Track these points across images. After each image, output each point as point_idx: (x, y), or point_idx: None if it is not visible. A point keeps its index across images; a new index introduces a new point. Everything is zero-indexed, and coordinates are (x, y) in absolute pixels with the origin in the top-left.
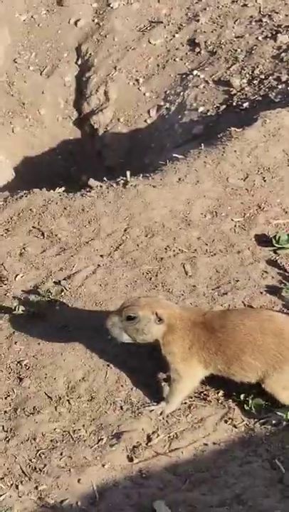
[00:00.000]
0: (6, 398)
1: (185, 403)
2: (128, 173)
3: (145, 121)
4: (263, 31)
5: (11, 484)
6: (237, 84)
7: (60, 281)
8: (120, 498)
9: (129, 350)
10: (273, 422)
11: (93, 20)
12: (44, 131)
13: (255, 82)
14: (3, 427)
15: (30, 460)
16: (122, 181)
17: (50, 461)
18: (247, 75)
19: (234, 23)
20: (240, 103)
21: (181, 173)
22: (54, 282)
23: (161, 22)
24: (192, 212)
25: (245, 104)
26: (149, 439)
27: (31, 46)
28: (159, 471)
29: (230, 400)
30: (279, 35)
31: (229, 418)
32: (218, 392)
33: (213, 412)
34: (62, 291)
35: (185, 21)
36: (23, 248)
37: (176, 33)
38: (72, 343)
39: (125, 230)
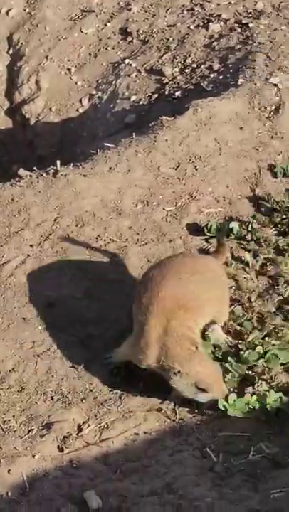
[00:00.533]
0: None
1: (116, 393)
2: (58, 162)
3: (77, 110)
4: (194, 20)
5: None
6: (169, 73)
7: None
8: (51, 489)
9: (59, 341)
10: (204, 410)
11: (24, 10)
12: None
13: (187, 70)
14: None
15: None
16: (52, 171)
17: None
18: (179, 64)
19: (166, 12)
20: (172, 92)
21: (111, 162)
22: None
23: (93, 11)
24: (123, 201)
25: (178, 93)
26: (79, 429)
27: None
28: (90, 461)
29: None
30: (211, 24)
31: (160, 408)
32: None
33: (144, 402)
34: None
35: (117, 10)
36: None
37: (108, 22)
38: (1, 334)
39: (55, 220)
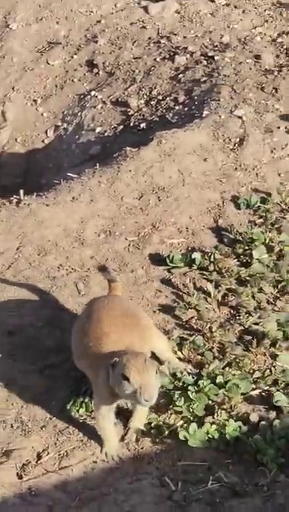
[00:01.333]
0: None
1: (77, 421)
2: (21, 191)
3: (43, 141)
4: (161, 52)
5: None
6: (134, 105)
7: None
8: None
9: (20, 369)
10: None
11: None
12: None
13: (152, 102)
14: None
15: None
16: (16, 200)
17: None
18: (144, 96)
19: (133, 44)
20: (137, 123)
21: (75, 192)
22: None
23: (60, 43)
24: (86, 231)
25: (143, 125)
26: (39, 456)
27: None
28: (49, 488)
29: (121, 417)
30: (177, 56)
31: (121, 436)
32: None
33: None
34: None
35: (84, 42)
36: None
37: (75, 54)
38: None
39: (18, 249)
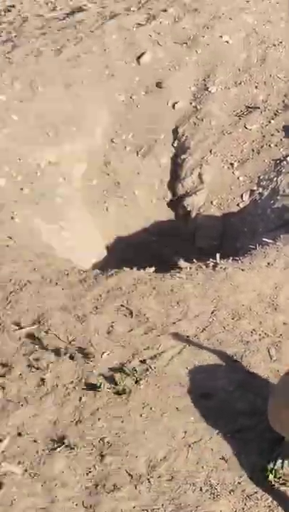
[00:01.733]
0: (87, 474)
1: (264, 486)
2: (218, 255)
3: (238, 205)
4: None
5: None
6: None
7: (145, 360)
8: None
9: (210, 431)
10: None
11: (191, 103)
12: (138, 212)
13: None
14: (83, 502)
15: None
16: (212, 263)
17: None
18: None
19: None
20: None
21: (270, 257)
22: (140, 361)
23: (258, 108)
24: (279, 296)
25: None
26: None
27: (129, 126)
28: None
29: None
30: None
31: None
32: None
33: None
34: (147, 370)
35: (281, 108)
36: (111, 326)
37: (272, 119)
38: (154, 422)
39: (212, 312)
